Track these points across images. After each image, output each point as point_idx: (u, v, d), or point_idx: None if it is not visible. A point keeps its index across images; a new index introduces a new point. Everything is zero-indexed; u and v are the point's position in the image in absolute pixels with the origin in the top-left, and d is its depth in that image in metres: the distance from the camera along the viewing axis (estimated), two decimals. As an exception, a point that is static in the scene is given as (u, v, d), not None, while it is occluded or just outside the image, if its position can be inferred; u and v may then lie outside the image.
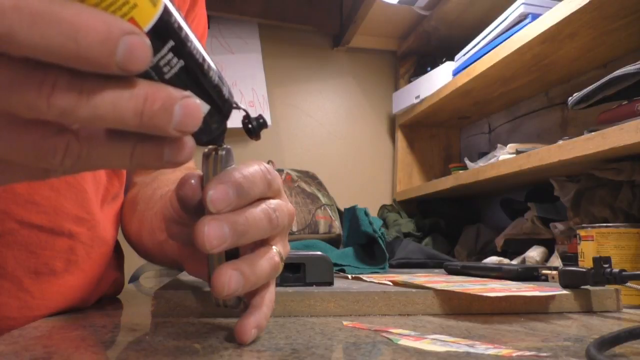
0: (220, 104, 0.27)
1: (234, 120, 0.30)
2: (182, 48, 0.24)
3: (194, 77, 0.25)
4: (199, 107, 0.24)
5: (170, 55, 0.24)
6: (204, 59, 0.25)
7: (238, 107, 0.29)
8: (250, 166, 0.30)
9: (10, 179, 0.24)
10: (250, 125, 0.31)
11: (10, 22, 0.19)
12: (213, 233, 0.27)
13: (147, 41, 0.21)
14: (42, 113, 0.20)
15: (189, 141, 0.25)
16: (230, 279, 0.28)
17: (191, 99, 0.24)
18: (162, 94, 0.23)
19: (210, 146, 0.30)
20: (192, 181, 0.30)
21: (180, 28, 0.24)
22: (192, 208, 0.30)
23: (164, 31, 0.23)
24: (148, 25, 0.22)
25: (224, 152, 0.30)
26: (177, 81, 0.24)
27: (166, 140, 0.24)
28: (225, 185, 0.28)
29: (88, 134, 0.23)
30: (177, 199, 0.31)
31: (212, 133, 0.28)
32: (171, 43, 0.23)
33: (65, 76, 0.20)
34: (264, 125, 0.31)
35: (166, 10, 0.23)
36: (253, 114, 0.31)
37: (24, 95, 0.20)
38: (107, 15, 0.21)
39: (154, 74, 0.23)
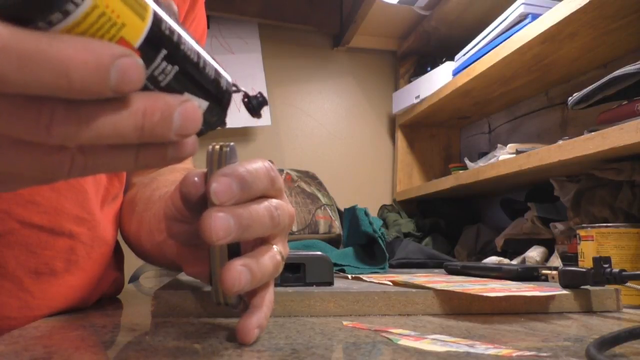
0: (220, 97, 0.27)
1: (235, 121, 0.30)
2: (176, 53, 0.23)
3: (190, 78, 0.24)
4: (198, 109, 0.24)
5: (165, 63, 0.23)
6: (199, 57, 0.25)
7: (238, 90, 0.29)
8: (254, 162, 0.30)
9: (18, 186, 0.24)
10: (250, 105, 0.31)
11: None
12: (219, 224, 0.27)
13: (139, 61, 0.21)
14: (44, 140, 0.21)
15: (191, 137, 0.25)
16: (240, 274, 0.28)
17: (189, 103, 0.23)
18: (159, 105, 0.22)
19: (214, 143, 0.30)
20: (196, 178, 0.30)
21: (172, 32, 0.23)
22: (194, 205, 0.30)
23: (155, 42, 0.22)
24: (139, 41, 0.21)
25: (228, 149, 0.30)
26: (173, 86, 0.24)
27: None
28: (228, 178, 0.28)
29: (91, 145, 0.23)
30: (180, 195, 0.31)
31: (212, 126, 0.27)
32: (164, 52, 0.23)
33: (62, 105, 0.20)
34: (263, 102, 0.31)
35: (156, 20, 0.22)
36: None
37: (22, 127, 0.20)
38: (96, 43, 0.20)
39: (150, 83, 0.23)
